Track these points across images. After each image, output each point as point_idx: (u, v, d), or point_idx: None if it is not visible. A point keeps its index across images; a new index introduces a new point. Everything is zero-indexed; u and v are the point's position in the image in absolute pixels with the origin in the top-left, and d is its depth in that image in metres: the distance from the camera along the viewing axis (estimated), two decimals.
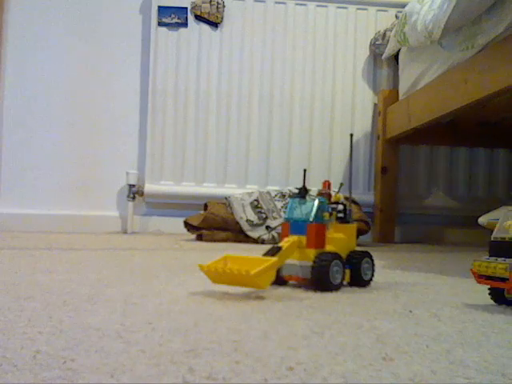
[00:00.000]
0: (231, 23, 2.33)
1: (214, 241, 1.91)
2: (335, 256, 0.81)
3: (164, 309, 0.65)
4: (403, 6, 2.02)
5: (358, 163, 2.38)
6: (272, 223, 1.94)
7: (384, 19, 2.36)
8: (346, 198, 0.89)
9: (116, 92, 2.34)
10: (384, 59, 2.33)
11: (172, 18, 2.29)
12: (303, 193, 0.85)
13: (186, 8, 2.30)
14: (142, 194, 2.29)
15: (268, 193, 2.07)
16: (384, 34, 2.29)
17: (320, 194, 0.87)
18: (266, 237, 1.91)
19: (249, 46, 2.34)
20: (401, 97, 2.14)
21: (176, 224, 2.19)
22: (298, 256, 0.83)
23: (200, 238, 1.95)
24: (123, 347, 0.47)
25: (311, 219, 0.82)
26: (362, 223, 2.00)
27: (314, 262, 0.79)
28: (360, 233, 2.03)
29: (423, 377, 0.41)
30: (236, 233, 1.96)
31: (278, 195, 2.04)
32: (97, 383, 0.38)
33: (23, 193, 2.22)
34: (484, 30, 1.44)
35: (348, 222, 0.88)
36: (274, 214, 1.96)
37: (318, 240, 0.82)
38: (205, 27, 2.31)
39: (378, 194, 2.30)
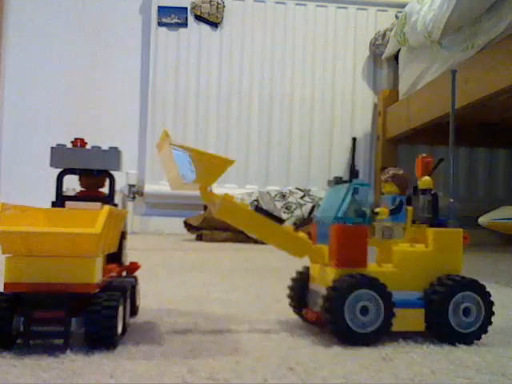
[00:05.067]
0: (231, 23, 2.33)
1: (214, 241, 1.91)
2: (364, 282, 0.50)
3: (164, 309, 0.65)
4: (403, 6, 2.02)
5: (358, 163, 2.38)
6: None
7: (384, 19, 2.36)
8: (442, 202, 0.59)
9: (116, 92, 2.34)
10: (384, 59, 2.33)
11: (172, 18, 2.29)
12: (341, 178, 0.57)
13: (186, 8, 2.30)
14: (141, 193, 2.29)
15: (268, 193, 2.07)
16: (384, 34, 2.29)
17: (391, 177, 0.58)
18: None
19: (249, 46, 2.34)
20: (401, 97, 2.14)
21: (176, 224, 2.19)
22: (319, 277, 0.56)
23: (200, 238, 1.95)
24: (123, 347, 0.47)
25: (338, 216, 0.53)
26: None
27: (328, 289, 0.51)
28: None
29: (423, 377, 0.41)
30: (236, 233, 1.95)
31: (278, 195, 2.04)
32: (97, 383, 0.38)
33: (23, 192, 2.22)
34: (484, 30, 1.44)
35: (442, 225, 0.56)
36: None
37: (344, 252, 0.52)
38: (205, 27, 2.31)
39: (378, 194, 2.30)
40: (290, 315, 0.60)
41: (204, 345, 0.48)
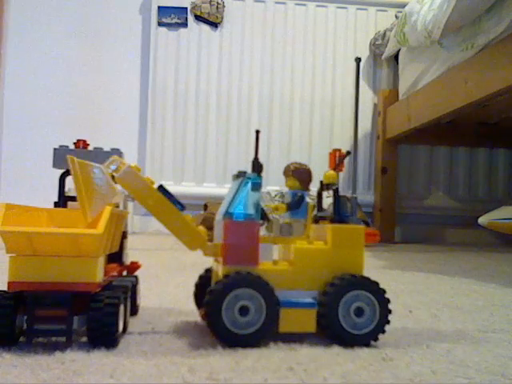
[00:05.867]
0: (231, 23, 2.33)
1: None
2: (243, 280, 0.48)
3: (164, 309, 0.65)
4: (403, 6, 2.02)
5: (358, 163, 2.38)
6: None
7: (384, 19, 2.36)
8: (347, 199, 0.56)
9: (116, 92, 2.34)
10: (384, 59, 2.33)
11: (172, 18, 2.29)
12: (243, 171, 0.54)
13: (186, 8, 2.30)
14: None
15: (268, 193, 2.07)
16: (384, 34, 2.29)
17: (292, 171, 0.57)
18: None
19: (249, 46, 2.34)
20: (401, 97, 2.14)
21: None
22: (215, 275, 0.55)
23: None
24: (123, 347, 0.47)
25: (228, 212, 0.52)
26: (363, 223, 2.00)
27: (209, 290, 0.49)
28: None
29: (423, 377, 0.41)
30: None
31: (278, 195, 2.04)
32: (97, 383, 0.38)
33: (23, 192, 2.22)
34: (484, 30, 1.44)
35: (343, 221, 0.54)
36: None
37: (232, 249, 0.51)
38: (205, 27, 2.31)
39: (377, 194, 2.30)
40: None
41: (204, 345, 0.48)
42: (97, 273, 0.47)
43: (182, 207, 0.52)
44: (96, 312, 0.46)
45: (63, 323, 0.45)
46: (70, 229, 0.46)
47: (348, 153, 0.56)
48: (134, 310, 0.59)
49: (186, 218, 0.52)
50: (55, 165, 0.55)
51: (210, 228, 0.57)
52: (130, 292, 0.55)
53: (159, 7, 2.28)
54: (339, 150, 0.57)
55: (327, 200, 0.55)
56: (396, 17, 2.30)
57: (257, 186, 0.50)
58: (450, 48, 1.65)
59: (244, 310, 0.48)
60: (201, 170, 2.30)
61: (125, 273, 0.63)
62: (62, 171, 0.56)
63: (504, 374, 0.43)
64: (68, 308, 0.45)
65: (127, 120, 2.35)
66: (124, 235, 0.60)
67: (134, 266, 0.63)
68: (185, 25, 2.30)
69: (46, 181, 2.26)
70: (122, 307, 0.48)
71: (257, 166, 0.53)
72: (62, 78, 2.31)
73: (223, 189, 2.25)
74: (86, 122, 2.31)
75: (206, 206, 2.04)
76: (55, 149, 0.55)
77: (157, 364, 0.42)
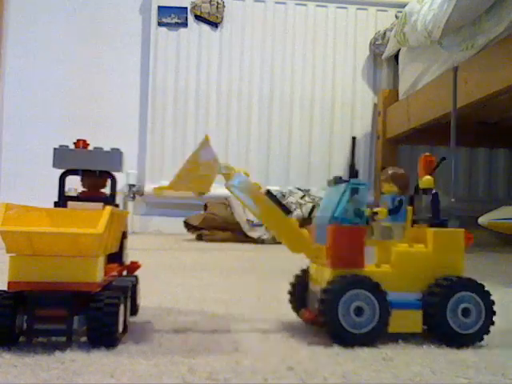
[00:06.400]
0: (231, 23, 2.33)
1: (214, 241, 1.91)
2: (357, 282, 0.50)
3: (164, 308, 0.65)
4: (403, 6, 2.02)
5: (358, 163, 2.38)
6: None
7: (384, 19, 2.36)
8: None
9: (116, 92, 2.34)
10: (384, 59, 2.33)
11: (172, 18, 2.29)
12: (341, 177, 0.55)
13: (186, 8, 2.30)
14: (142, 193, 2.29)
15: None
16: (384, 34, 2.29)
17: (390, 176, 0.57)
18: (265, 237, 1.91)
19: (249, 46, 2.34)
20: (401, 97, 2.14)
21: (176, 224, 2.19)
22: (316, 277, 0.55)
23: (200, 238, 1.95)
24: (123, 347, 0.47)
25: (335, 216, 0.52)
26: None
27: (322, 289, 0.51)
28: None
29: (423, 377, 0.41)
30: (236, 233, 1.96)
31: (278, 195, 2.04)
32: (97, 383, 0.38)
33: (23, 192, 2.22)
34: (484, 30, 1.44)
35: (442, 225, 0.55)
36: None
37: (339, 252, 0.51)
38: (205, 27, 2.31)
39: (378, 194, 2.30)
40: (290, 315, 0.60)
41: (204, 345, 0.48)
42: (97, 273, 0.47)
43: (288, 211, 0.54)
44: (96, 312, 0.45)
45: (63, 323, 0.45)
46: (69, 229, 0.46)
47: (443, 159, 0.58)
48: (134, 310, 0.59)
49: (291, 222, 0.54)
50: (55, 165, 0.55)
51: (209, 228, 0.58)
52: (130, 292, 0.55)
53: (159, 7, 2.28)
54: (429, 156, 0.58)
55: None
56: (396, 17, 2.30)
57: (361, 191, 0.52)
58: (449, 48, 1.64)
59: (359, 311, 0.49)
60: None
61: (125, 273, 0.63)
62: (62, 171, 0.56)
63: (504, 374, 0.43)
64: (68, 308, 0.45)
65: (127, 120, 2.35)
66: (124, 235, 0.60)
67: (134, 266, 0.63)
68: (185, 25, 2.30)
69: (46, 181, 2.26)
70: (122, 307, 0.48)
71: (353, 172, 0.56)
72: (61, 78, 2.31)
73: (223, 189, 2.24)
74: (86, 122, 2.31)
75: (206, 206, 2.04)
76: (55, 149, 0.55)
77: (157, 364, 0.42)
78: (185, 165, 0.51)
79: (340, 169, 2.37)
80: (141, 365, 0.42)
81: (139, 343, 0.48)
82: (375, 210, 0.54)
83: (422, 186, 0.56)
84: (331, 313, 0.49)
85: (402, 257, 0.53)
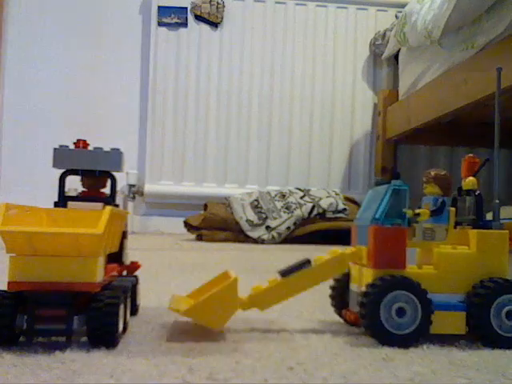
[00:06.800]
0: (231, 23, 2.33)
1: (214, 241, 1.91)
2: (399, 283, 0.50)
3: (164, 309, 0.65)
4: (403, 6, 2.02)
5: (358, 163, 2.38)
6: (272, 223, 1.94)
7: (384, 19, 2.36)
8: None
9: (116, 92, 2.34)
10: (384, 59, 2.33)
11: (172, 18, 2.29)
12: (382, 179, 0.56)
13: (186, 8, 2.30)
14: (142, 193, 2.29)
15: (268, 193, 2.07)
16: (384, 34, 2.29)
17: (433, 177, 0.56)
18: (265, 237, 1.91)
19: (249, 46, 2.34)
20: (401, 97, 2.14)
21: (176, 224, 2.19)
22: (357, 279, 0.56)
23: (200, 238, 1.95)
24: (123, 347, 0.47)
25: (376, 218, 0.52)
26: None
27: (364, 292, 0.51)
28: None
29: (423, 377, 0.41)
30: (236, 233, 1.96)
31: (278, 195, 2.04)
32: (97, 383, 0.38)
33: (23, 192, 2.22)
34: (484, 30, 1.44)
35: (486, 227, 0.54)
36: (274, 214, 1.96)
37: (381, 253, 0.52)
38: (205, 27, 2.31)
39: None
40: (290, 315, 0.60)
41: (204, 345, 0.48)
42: (97, 273, 0.46)
43: (308, 262, 0.54)
44: (96, 312, 0.45)
45: (63, 323, 0.45)
46: (69, 228, 0.46)
47: (487, 160, 0.58)
48: (134, 310, 0.59)
49: (321, 264, 0.54)
50: (55, 165, 0.55)
51: (209, 228, 0.58)
52: (130, 292, 0.55)
53: (159, 7, 2.28)
54: (473, 157, 0.57)
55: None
56: (396, 17, 2.30)
57: (403, 193, 0.53)
58: (449, 48, 1.65)
59: (400, 312, 0.50)
60: (201, 170, 2.30)
61: (125, 273, 0.63)
62: (61, 171, 0.56)
63: (504, 374, 0.43)
64: (68, 308, 0.45)
65: (127, 120, 2.35)
66: (124, 235, 0.60)
67: (134, 266, 0.63)
68: (185, 25, 2.30)
69: (46, 181, 2.27)
70: (122, 307, 0.48)
71: (395, 174, 0.55)
72: (61, 78, 2.31)
73: (223, 189, 2.25)
74: (86, 122, 2.31)
75: (206, 206, 2.04)
76: (55, 149, 0.55)
77: (157, 364, 0.42)
78: (207, 297, 0.51)
79: (340, 168, 2.37)
80: (141, 365, 0.42)
81: (139, 343, 0.48)
82: (417, 211, 0.54)
83: (465, 187, 0.56)
84: (373, 315, 0.49)
85: (445, 258, 0.53)
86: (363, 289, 0.51)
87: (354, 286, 0.56)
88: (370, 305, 0.49)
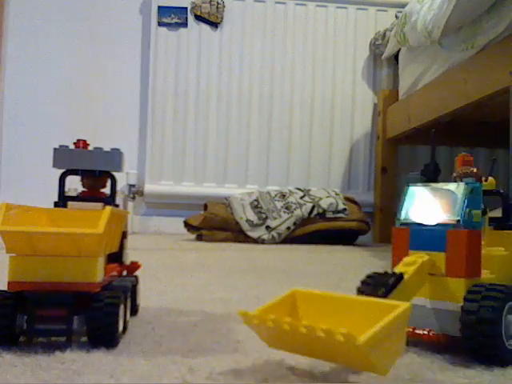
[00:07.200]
0: (231, 23, 2.33)
1: (214, 241, 1.91)
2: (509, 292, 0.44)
3: (164, 308, 0.65)
4: (403, 6, 2.02)
5: (358, 163, 2.38)
6: (272, 223, 1.94)
7: (384, 19, 2.36)
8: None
9: (116, 92, 2.34)
10: (384, 59, 2.33)
11: (172, 18, 2.29)
12: (432, 173, 0.51)
13: (186, 8, 2.30)
14: (142, 193, 2.29)
15: (268, 193, 2.07)
16: (384, 34, 2.29)
17: (463, 174, 0.52)
18: (265, 237, 1.91)
19: (249, 46, 2.34)
20: (401, 97, 2.14)
21: (176, 224, 2.19)
22: (428, 291, 0.48)
23: (200, 238, 1.95)
24: (123, 347, 0.47)
25: (459, 220, 0.46)
26: (363, 223, 2.00)
27: (465, 305, 0.44)
28: (360, 233, 2.04)
29: (423, 377, 0.41)
30: (236, 233, 1.96)
31: (278, 195, 2.04)
32: (97, 383, 0.38)
33: (23, 192, 2.22)
34: (484, 30, 1.44)
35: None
36: (274, 214, 1.96)
37: (472, 261, 0.46)
38: (205, 27, 2.31)
39: (378, 194, 2.30)
40: None
41: (204, 345, 0.48)
42: (97, 273, 0.47)
43: (401, 277, 0.45)
44: (96, 312, 0.46)
45: (63, 323, 0.45)
46: (69, 228, 0.46)
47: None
48: (134, 310, 0.59)
49: (407, 278, 0.45)
50: (55, 165, 0.55)
51: (209, 228, 0.57)
52: (130, 292, 0.55)
53: (159, 7, 2.28)
54: (467, 155, 0.55)
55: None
56: (396, 17, 2.30)
57: (477, 191, 0.48)
58: (449, 48, 1.65)
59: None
60: (201, 170, 2.30)
61: (125, 273, 0.63)
62: (62, 171, 0.56)
63: (504, 374, 0.43)
64: (68, 308, 0.45)
65: (127, 120, 2.35)
66: (124, 235, 0.60)
67: (134, 266, 0.63)
68: (185, 25, 2.30)
69: (45, 181, 2.26)
70: (122, 307, 0.48)
71: (434, 170, 0.52)
72: (62, 78, 2.31)
73: (223, 189, 2.25)
74: (86, 122, 2.31)
75: (206, 206, 2.04)
76: (55, 149, 0.55)
77: (157, 364, 0.42)
78: (383, 326, 0.36)
79: (340, 169, 2.37)
80: (141, 365, 0.42)
81: (139, 343, 0.48)
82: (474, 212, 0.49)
83: (485, 187, 0.54)
84: (492, 333, 0.42)
85: (501, 261, 0.50)
86: (464, 304, 0.44)
87: (419, 300, 0.47)
88: (485, 319, 0.42)
